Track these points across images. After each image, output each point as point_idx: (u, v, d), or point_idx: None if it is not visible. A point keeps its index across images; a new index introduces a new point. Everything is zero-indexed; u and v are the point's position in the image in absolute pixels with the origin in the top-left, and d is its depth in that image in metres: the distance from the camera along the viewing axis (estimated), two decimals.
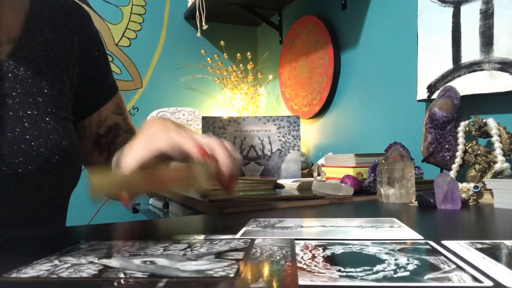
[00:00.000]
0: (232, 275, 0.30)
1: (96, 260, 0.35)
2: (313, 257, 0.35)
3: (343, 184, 0.81)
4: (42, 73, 0.61)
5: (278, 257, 0.35)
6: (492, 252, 0.36)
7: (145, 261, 0.34)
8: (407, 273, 0.30)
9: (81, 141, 0.70)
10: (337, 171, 1.08)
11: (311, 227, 0.49)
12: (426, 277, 0.29)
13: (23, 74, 0.59)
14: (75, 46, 0.67)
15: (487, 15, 0.87)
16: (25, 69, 0.59)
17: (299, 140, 1.07)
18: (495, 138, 0.75)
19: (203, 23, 1.71)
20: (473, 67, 0.91)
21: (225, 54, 1.98)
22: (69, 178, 0.62)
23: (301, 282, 0.28)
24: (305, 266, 0.32)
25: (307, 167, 1.49)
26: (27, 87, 0.59)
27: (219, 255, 0.36)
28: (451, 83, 0.95)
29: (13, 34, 0.61)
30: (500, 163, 0.74)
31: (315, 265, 0.32)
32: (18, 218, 0.57)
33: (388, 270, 0.31)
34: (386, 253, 0.36)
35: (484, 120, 0.78)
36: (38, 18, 0.64)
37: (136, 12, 1.99)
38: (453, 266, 0.32)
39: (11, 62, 0.59)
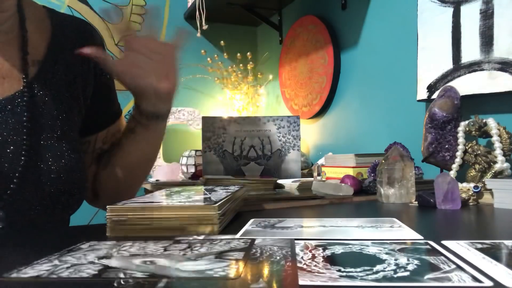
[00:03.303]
0: (232, 275, 0.30)
1: (96, 260, 0.35)
2: (313, 257, 0.35)
3: (343, 184, 0.81)
4: (62, 96, 0.62)
5: (278, 257, 0.35)
6: (492, 252, 0.36)
7: (145, 261, 0.34)
8: (407, 273, 0.30)
9: None
10: (337, 171, 1.08)
11: (311, 227, 0.49)
12: (426, 277, 0.29)
13: (45, 98, 0.60)
14: (91, 68, 0.68)
15: (487, 15, 0.87)
16: (47, 92, 0.60)
17: (299, 140, 1.07)
18: (495, 138, 0.75)
19: (203, 23, 1.71)
20: (473, 67, 0.91)
21: (225, 54, 1.98)
22: (80, 198, 0.65)
23: (301, 282, 0.28)
24: (305, 266, 0.32)
25: (307, 167, 1.49)
26: (49, 110, 0.60)
27: (219, 255, 0.36)
28: (451, 83, 0.95)
29: (38, 56, 0.62)
30: (500, 163, 0.74)
31: (315, 265, 0.32)
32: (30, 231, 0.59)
33: (388, 270, 0.31)
34: (386, 253, 0.36)
35: (484, 120, 0.78)
36: (61, 41, 0.66)
37: (136, 12, 1.99)
38: (453, 266, 0.32)
39: (35, 85, 0.60)
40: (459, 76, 0.94)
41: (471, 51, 0.91)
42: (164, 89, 0.65)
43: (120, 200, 0.73)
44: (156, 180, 1.42)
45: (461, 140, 0.81)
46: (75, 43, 0.67)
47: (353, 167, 1.01)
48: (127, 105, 1.97)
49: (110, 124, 0.73)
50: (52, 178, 0.57)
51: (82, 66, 0.67)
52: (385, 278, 0.29)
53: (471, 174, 0.78)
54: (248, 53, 1.94)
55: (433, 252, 0.36)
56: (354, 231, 0.46)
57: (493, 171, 0.74)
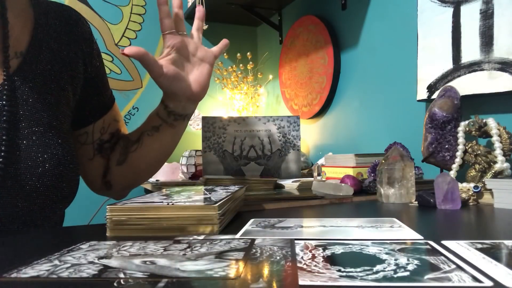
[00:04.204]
0: (232, 275, 0.30)
1: (96, 260, 0.35)
2: (313, 257, 0.35)
3: (343, 184, 0.81)
4: (47, 87, 0.61)
5: (278, 257, 0.35)
6: (492, 252, 0.36)
7: (145, 261, 0.34)
8: (407, 273, 0.30)
9: (79, 148, 0.70)
10: (337, 171, 1.08)
11: (311, 227, 0.49)
12: (426, 277, 0.29)
13: (29, 90, 0.58)
14: (79, 56, 0.67)
15: (487, 15, 0.87)
16: (32, 84, 0.59)
17: (299, 140, 1.07)
18: (495, 138, 0.75)
19: (203, 23, 1.71)
20: (473, 67, 0.90)
21: (225, 54, 1.98)
22: (71, 192, 0.63)
23: (301, 282, 0.28)
24: (305, 266, 0.32)
25: (307, 167, 1.49)
26: (33, 103, 0.58)
27: (219, 255, 0.36)
28: (451, 83, 0.95)
29: (20, 47, 0.60)
30: (500, 163, 0.74)
31: (315, 265, 0.32)
32: (21, 229, 0.57)
33: (388, 270, 0.31)
34: (386, 253, 0.36)
35: (484, 120, 0.78)
36: (45, 30, 0.63)
37: (136, 12, 1.99)
38: (453, 266, 0.32)
39: (17, 78, 0.58)
40: (459, 76, 0.94)
41: (471, 51, 0.91)
42: (196, 94, 0.66)
43: (132, 188, 0.74)
44: (156, 180, 1.42)
45: (461, 140, 0.81)
46: (60, 31, 0.65)
47: (353, 167, 1.01)
48: (127, 105, 1.97)
49: (105, 112, 0.72)
50: (38, 173, 0.56)
51: (69, 55, 0.65)
52: (385, 278, 0.29)
53: (471, 174, 0.78)
54: (248, 53, 1.94)
55: (433, 252, 0.36)
56: (354, 231, 0.46)
57: (493, 171, 0.74)
